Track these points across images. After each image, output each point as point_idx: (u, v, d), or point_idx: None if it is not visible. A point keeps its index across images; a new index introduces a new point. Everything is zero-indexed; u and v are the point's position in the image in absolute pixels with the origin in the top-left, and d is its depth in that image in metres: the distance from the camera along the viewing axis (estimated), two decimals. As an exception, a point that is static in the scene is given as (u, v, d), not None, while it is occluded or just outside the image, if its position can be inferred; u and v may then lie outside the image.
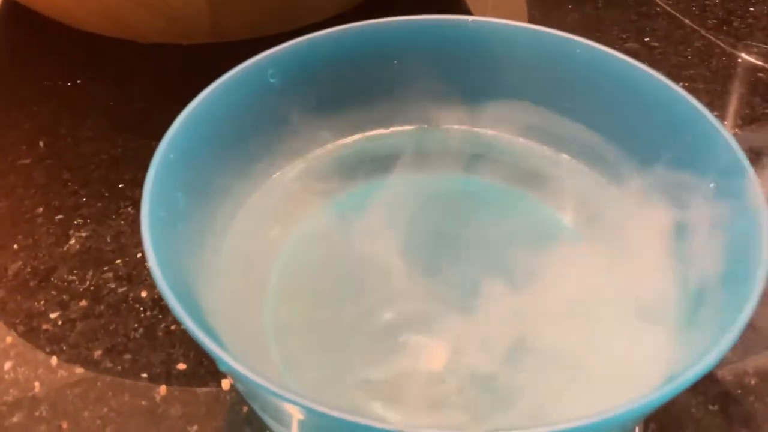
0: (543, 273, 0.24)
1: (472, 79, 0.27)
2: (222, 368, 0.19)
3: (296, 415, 0.19)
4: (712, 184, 0.23)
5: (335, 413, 0.17)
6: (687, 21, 0.40)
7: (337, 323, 0.23)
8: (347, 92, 0.27)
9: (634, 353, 0.22)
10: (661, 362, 0.21)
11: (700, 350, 0.19)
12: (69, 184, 0.32)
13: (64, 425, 0.24)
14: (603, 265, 0.24)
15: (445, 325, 0.23)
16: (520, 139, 0.28)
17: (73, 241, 0.29)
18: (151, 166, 0.22)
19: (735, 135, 0.33)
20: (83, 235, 0.30)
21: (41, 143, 0.34)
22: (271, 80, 0.26)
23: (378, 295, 0.24)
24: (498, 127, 0.28)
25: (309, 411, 0.17)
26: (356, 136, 0.28)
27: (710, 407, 0.24)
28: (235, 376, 0.18)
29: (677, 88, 0.24)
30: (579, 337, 0.23)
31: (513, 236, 0.26)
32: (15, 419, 0.24)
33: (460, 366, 0.22)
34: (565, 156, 0.27)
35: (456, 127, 0.29)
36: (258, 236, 0.26)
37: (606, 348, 0.22)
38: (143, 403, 0.25)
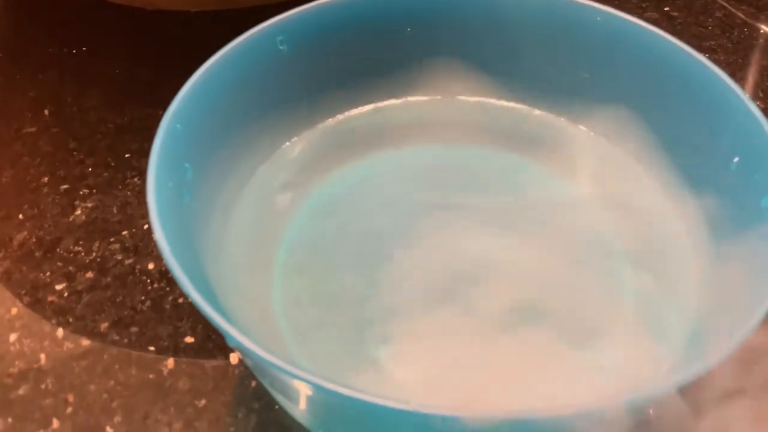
0: (555, 248, 0.24)
1: (488, 48, 0.27)
2: (230, 343, 0.19)
3: (305, 391, 0.19)
4: (736, 158, 0.22)
5: (344, 391, 0.16)
6: (708, -10, 0.39)
7: (347, 297, 0.23)
8: (359, 61, 0.26)
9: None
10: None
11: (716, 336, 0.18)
12: (75, 153, 0.31)
13: (70, 398, 0.24)
14: (617, 244, 0.24)
15: (455, 298, 0.23)
16: (536, 111, 0.27)
17: (78, 212, 0.29)
18: (156, 135, 0.21)
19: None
20: (89, 205, 0.29)
21: (46, 111, 0.33)
22: (281, 47, 0.25)
23: (388, 269, 0.24)
24: (514, 98, 0.27)
25: (317, 388, 0.17)
26: (367, 107, 0.28)
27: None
28: (244, 351, 0.18)
29: (701, 57, 0.24)
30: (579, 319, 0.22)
31: (526, 210, 0.25)
32: (21, 391, 0.24)
33: (467, 340, 0.22)
34: (582, 128, 0.27)
35: (471, 98, 0.28)
36: (267, 208, 0.25)
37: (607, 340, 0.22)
38: (150, 376, 0.24)
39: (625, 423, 0.17)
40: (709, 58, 0.34)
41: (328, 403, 0.19)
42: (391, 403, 0.16)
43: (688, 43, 0.24)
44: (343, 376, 0.21)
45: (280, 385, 0.20)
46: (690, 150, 0.24)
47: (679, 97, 0.24)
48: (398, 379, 0.21)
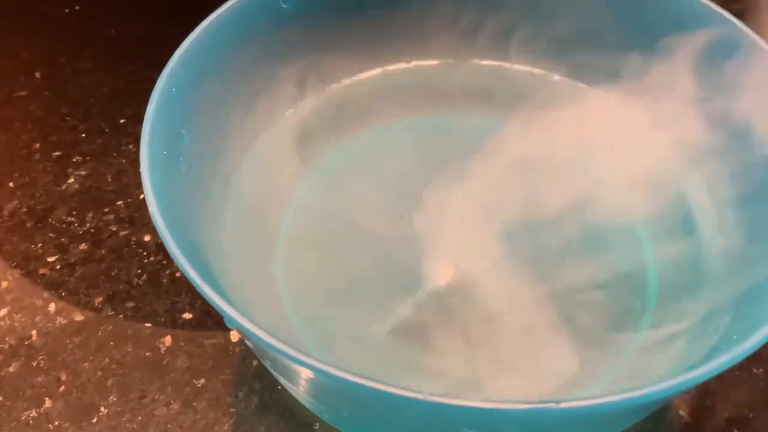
0: (572, 222, 0.23)
1: (503, 9, 0.25)
2: (229, 325, 0.17)
3: (308, 375, 0.18)
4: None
5: (352, 378, 0.15)
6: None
7: (353, 271, 0.22)
8: (366, 21, 0.25)
9: None
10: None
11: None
12: (68, 118, 0.30)
13: (63, 376, 0.23)
14: (638, 220, 0.23)
15: (463, 274, 0.21)
16: (556, 76, 0.26)
17: (71, 180, 0.28)
18: (150, 100, 0.20)
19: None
20: (82, 173, 0.28)
21: (38, 74, 0.32)
22: (283, 5, 0.23)
23: (394, 242, 0.23)
24: (531, 62, 0.26)
25: (322, 374, 0.16)
26: (375, 71, 0.26)
27: (755, 370, 0.23)
28: (244, 332, 0.17)
29: (735, 20, 0.22)
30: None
31: (543, 180, 0.24)
32: (11, 369, 0.23)
33: (475, 320, 0.21)
34: (604, 94, 0.25)
35: (484, 62, 0.26)
36: (268, 178, 0.24)
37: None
38: (147, 354, 0.23)
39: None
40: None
41: (334, 388, 0.18)
42: (401, 392, 0.15)
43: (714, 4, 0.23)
44: (349, 356, 0.20)
45: (281, 367, 0.19)
46: (718, 119, 0.22)
47: (709, 63, 0.22)
48: (404, 361, 0.20)
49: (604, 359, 0.20)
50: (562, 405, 0.15)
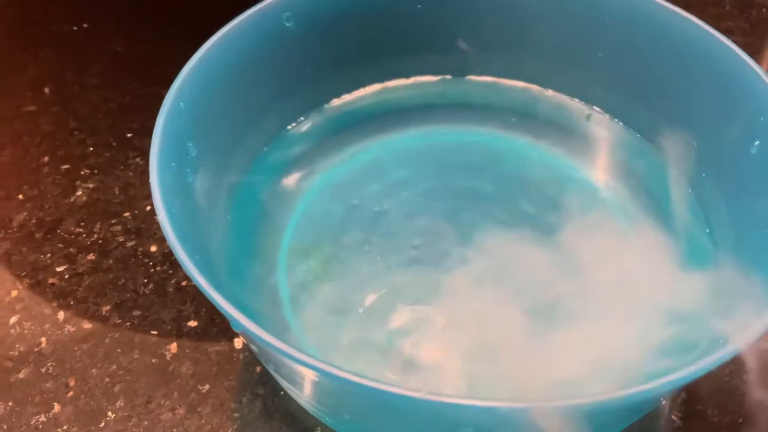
0: (562, 238, 0.23)
1: (500, 26, 0.26)
2: (236, 328, 0.18)
3: (311, 377, 0.18)
4: (756, 142, 0.21)
5: (353, 378, 0.16)
6: (724, -31, 0.38)
7: (354, 280, 0.23)
8: (367, 39, 0.26)
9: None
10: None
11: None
12: (76, 132, 0.30)
13: (72, 382, 0.23)
14: (631, 231, 0.23)
15: (463, 281, 0.22)
16: (549, 92, 0.27)
17: (79, 193, 0.28)
18: (159, 114, 0.20)
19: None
20: (90, 186, 0.29)
21: (47, 90, 0.32)
22: (287, 24, 0.24)
23: (396, 253, 0.23)
24: (526, 78, 0.27)
25: (326, 375, 0.16)
26: (375, 87, 0.27)
27: (745, 376, 0.23)
28: (249, 336, 0.17)
29: (722, 37, 0.23)
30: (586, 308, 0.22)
31: (536, 195, 0.25)
32: (21, 375, 0.23)
33: (476, 324, 0.21)
34: (597, 109, 0.26)
35: (481, 78, 0.27)
36: (272, 189, 0.24)
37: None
38: (153, 361, 0.24)
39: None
40: (726, 39, 0.34)
41: (335, 390, 0.19)
42: (401, 391, 0.16)
43: (705, 23, 0.23)
44: (351, 360, 0.21)
45: (285, 371, 0.19)
46: (709, 133, 0.23)
47: (698, 79, 0.23)
48: (406, 363, 0.21)
49: (601, 361, 0.21)
50: (554, 404, 0.15)
